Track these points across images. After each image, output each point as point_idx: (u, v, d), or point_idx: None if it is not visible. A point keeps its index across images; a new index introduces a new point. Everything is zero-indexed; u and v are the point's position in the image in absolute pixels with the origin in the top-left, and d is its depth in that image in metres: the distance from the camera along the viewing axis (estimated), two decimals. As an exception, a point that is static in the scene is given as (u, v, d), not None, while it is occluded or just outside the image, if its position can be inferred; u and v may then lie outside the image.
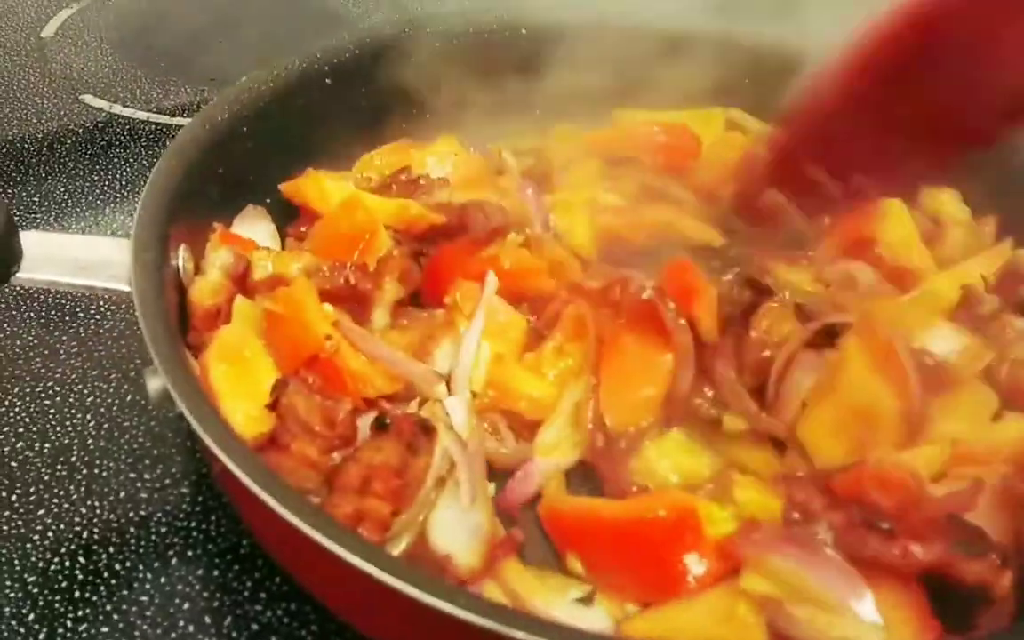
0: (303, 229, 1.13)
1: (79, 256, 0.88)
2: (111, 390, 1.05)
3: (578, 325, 0.99)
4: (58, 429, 1.00)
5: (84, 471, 0.96)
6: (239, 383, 0.88)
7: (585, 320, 0.99)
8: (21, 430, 1.00)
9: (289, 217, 1.16)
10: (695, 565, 0.77)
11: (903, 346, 0.89)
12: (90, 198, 1.34)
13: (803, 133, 1.02)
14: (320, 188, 1.14)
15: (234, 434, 0.75)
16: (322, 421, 0.86)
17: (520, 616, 0.68)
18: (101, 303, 1.14)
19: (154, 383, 0.81)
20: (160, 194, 0.95)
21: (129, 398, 1.04)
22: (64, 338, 1.11)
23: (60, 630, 0.83)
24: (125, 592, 0.87)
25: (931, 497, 0.78)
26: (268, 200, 1.17)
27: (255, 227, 1.10)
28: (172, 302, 0.92)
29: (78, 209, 1.32)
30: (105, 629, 0.84)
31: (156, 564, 0.89)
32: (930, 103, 0.92)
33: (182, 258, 0.97)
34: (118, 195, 1.35)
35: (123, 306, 1.14)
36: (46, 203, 1.32)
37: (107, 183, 1.37)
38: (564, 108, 1.35)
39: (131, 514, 0.93)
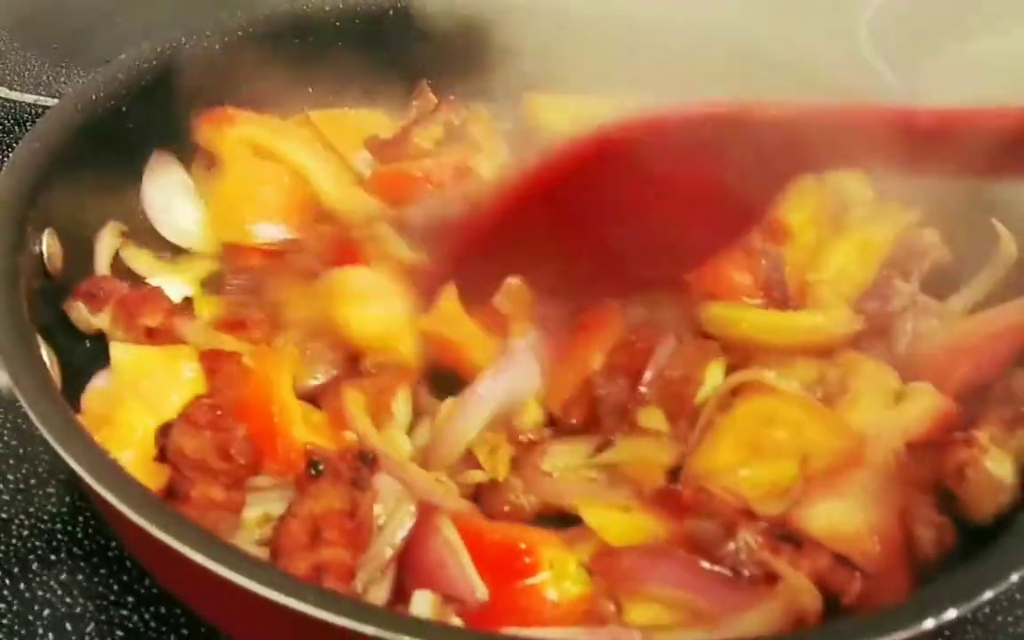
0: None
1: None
2: (-25, 385, 0.99)
3: None
4: (-86, 429, 0.94)
5: (-59, 473, 0.90)
6: (115, 444, 0.78)
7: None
8: None
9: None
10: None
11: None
12: (-32, 185, 1.26)
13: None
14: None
15: (84, 434, 0.69)
16: (218, 455, 0.78)
17: (380, 615, 0.65)
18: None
19: (2, 378, 0.75)
20: (18, 179, 0.90)
21: (-5, 394, 0.98)
22: (-73, 332, 1.04)
23: (-94, 644, 0.77)
24: (-20, 601, 0.81)
25: (759, 514, 0.77)
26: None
27: (167, 180, 1.07)
28: (33, 290, 0.86)
29: (-47, 197, 1.24)
30: (-43, 641, 0.78)
31: (16, 570, 0.83)
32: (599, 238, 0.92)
33: (46, 244, 0.91)
34: (-2, 182, 1.27)
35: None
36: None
37: (-12, 169, 1.29)
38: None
39: (-9, 518, 0.87)
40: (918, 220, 1.12)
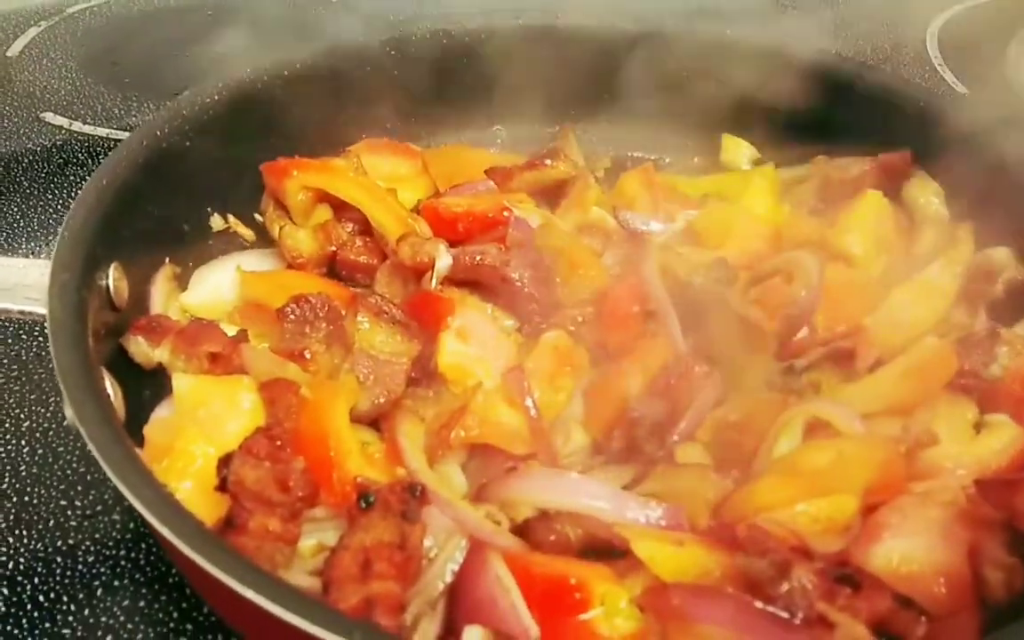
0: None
1: (-3, 278, 0.85)
2: (48, 414, 1.02)
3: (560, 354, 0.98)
4: (-9, 455, 0.98)
5: (14, 498, 0.94)
6: (175, 474, 0.82)
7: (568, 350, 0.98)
8: (-47, 457, 0.97)
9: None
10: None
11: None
12: (43, 217, 1.31)
13: None
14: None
15: (141, 467, 0.71)
16: (277, 487, 0.79)
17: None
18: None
19: (70, 411, 0.78)
20: (87, 213, 0.92)
21: (66, 422, 1.00)
22: (5, 361, 1.08)
23: (-24, 667, 0.80)
24: (47, 625, 0.84)
25: (816, 551, 0.76)
26: (209, 210, 1.16)
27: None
28: (99, 323, 0.89)
29: (30, 229, 1.29)
30: (25, 664, 0.81)
31: (81, 595, 0.86)
32: None
33: (112, 277, 0.94)
34: (72, 214, 1.32)
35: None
36: (-2, 224, 1.30)
37: (61, 202, 1.34)
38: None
39: (59, 543, 0.90)
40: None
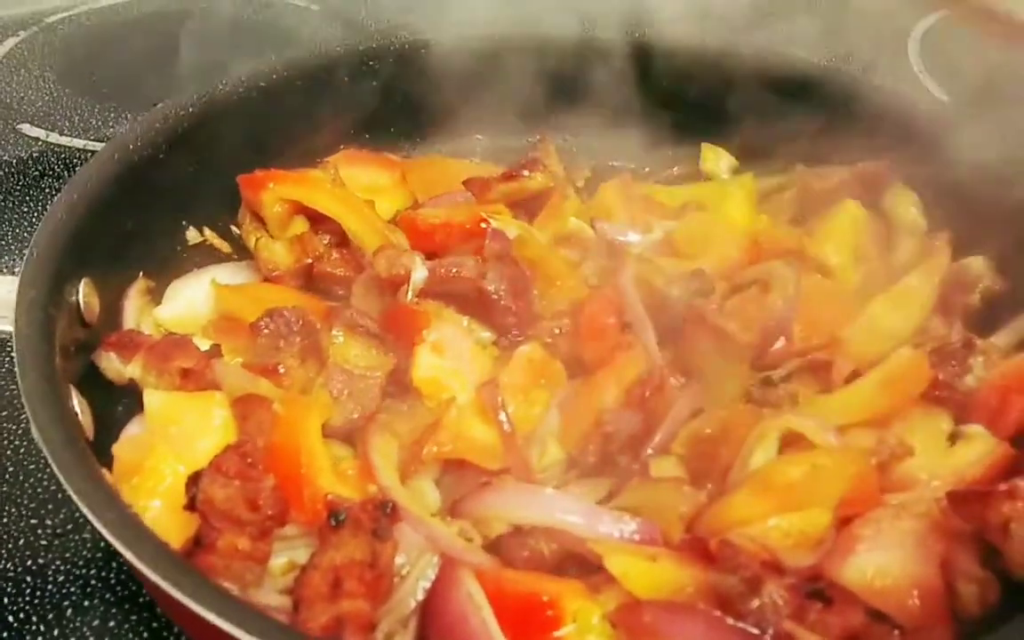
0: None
1: (-37, 295, 0.84)
2: (20, 432, 1.02)
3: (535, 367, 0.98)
4: (-38, 474, 0.96)
5: (-17, 518, 0.93)
6: (145, 493, 0.81)
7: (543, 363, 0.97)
8: (-77, 475, 0.96)
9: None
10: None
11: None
12: (18, 230, 1.30)
13: None
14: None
15: (105, 488, 0.70)
16: (246, 506, 0.78)
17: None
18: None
19: (36, 431, 0.77)
20: (55, 228, 0.92)
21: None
22: (-24, 378, 1.07)
23: (-58, 690, 0.79)
24: (15, 647, 0.83)
25: (788, 566, 0.75)
26: (184, 223, 1.16)
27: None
28: (68, 340, 0.88)
29: (4, 242, 1.28)
30: (-8, 687, 0.80)
31: (51, 616, 0.85)
32: None
33: (82, 293, 0.93)
34: (47, 227, 1.31)
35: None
36: (-30, 237, 1.29)
37: (37, 215, 1.33)
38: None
39: (29, 563, 0.89)
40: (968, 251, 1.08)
